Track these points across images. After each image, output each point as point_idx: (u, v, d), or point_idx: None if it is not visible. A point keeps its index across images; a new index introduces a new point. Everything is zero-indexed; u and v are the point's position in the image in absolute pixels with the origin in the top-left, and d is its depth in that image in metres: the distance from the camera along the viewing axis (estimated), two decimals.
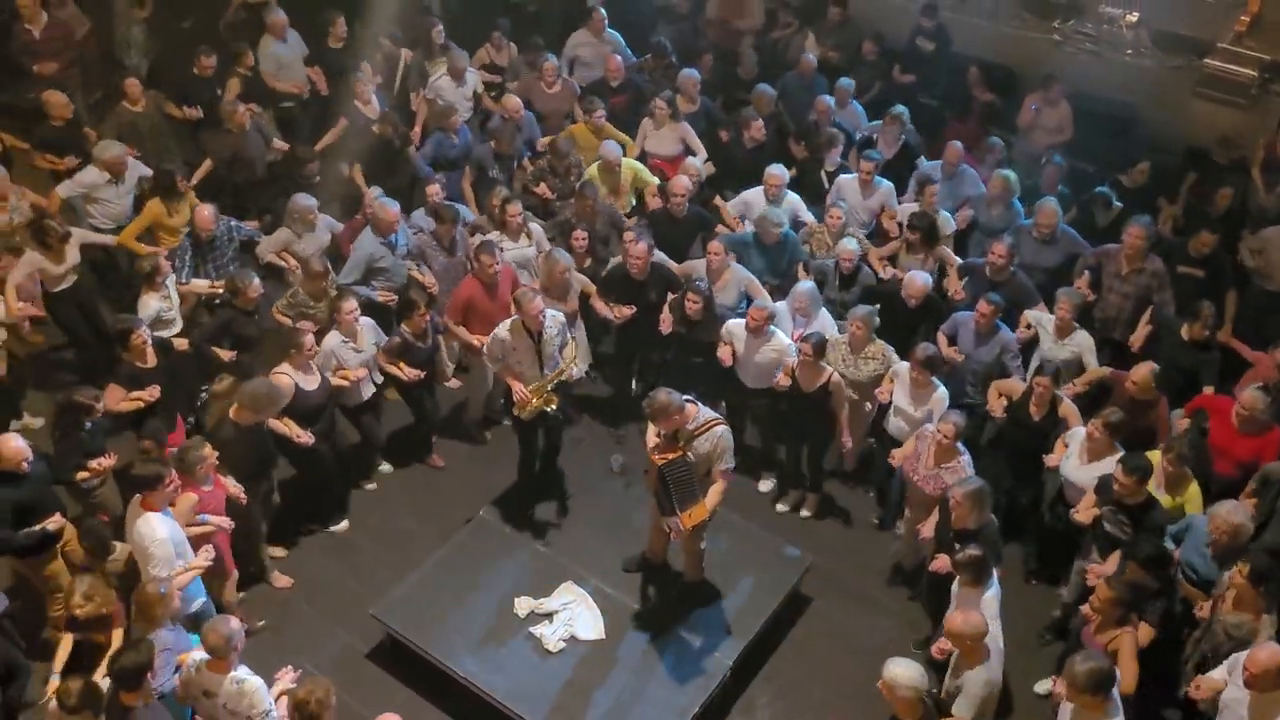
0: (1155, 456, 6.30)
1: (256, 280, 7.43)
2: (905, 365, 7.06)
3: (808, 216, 8.69)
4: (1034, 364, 7.59)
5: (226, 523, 6.21)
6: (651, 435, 6.22)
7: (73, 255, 7.91)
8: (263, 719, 5.15)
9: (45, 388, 8.10)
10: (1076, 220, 8.75)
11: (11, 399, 7.80)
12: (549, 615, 6.54)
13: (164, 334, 7.43)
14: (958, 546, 5.86)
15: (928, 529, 6.38)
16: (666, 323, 7.58)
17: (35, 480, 6.16)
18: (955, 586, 5.89)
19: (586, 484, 7.60)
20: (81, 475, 6.50)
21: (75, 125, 8.99)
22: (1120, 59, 10.59)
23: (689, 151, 9.52)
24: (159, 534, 5.65)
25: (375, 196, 8.22)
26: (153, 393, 6.80)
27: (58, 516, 6.20)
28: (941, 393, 6.93)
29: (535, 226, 8.41)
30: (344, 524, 7.57)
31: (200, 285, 7.98)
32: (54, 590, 6.34)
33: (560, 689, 6.16)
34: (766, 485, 8.00)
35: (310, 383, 6.91)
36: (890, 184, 8.85)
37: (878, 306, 7.48)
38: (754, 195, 8.69)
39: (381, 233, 7.95)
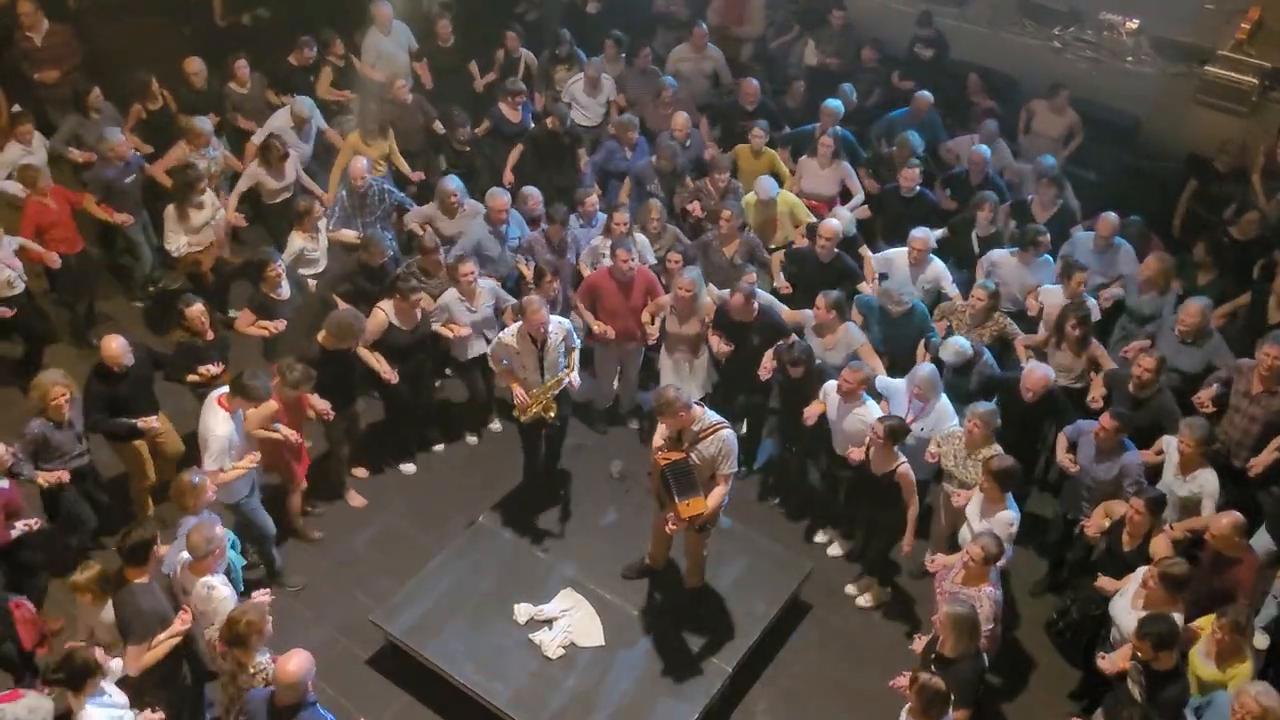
0: (1208, 621, 5.62)
1: (386, 243, 7.92)
2: None
3: (951, 290, 8.03)
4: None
5: (293, 435, 6.73)
6: (658, 436, 6.23)
7: (290, 175, 8.90)
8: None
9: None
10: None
11: (219, 297, 8.65)
12: (549, 621, 6.53)
13: (306, 272, 8.19)
14: (932, 669, 5.32)
15: (920, 643, 5.81)
16: (766, 369, 7.26)
17: (133, 380, 6.87)
18: (904, 714, 5.35)
19: (587, 490, 7.58)
20: (191, 377, 7.08)
21: (213, 91, 9.60)
22: (1121, 66, 10.62)
23: (847, 194, 9.25)
24: (218, 430, 6.27)
25: (455, 188, 8.44)
26: (279, 325, 7.44)
27: (151, 419, 6.92)
28: (1007, 515, 6.21)
29: (642, 238, 8.20)
30: (412, 467, 7.94)
31: (347, 235, 8.43)
32: (137, 471, 7.18)
33: (560, 695, 6.15)
34: (823, 537, 7.66)
35: (405, 323, 7.35)
36: (1051, 261, 8.10)
37: (996, 400, 6.92)
38: (898, 257, 8.17)
39: (492, 221, 8.14)
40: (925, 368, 6.96)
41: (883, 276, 8.13)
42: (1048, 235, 8.12)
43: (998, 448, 6.50)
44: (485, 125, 9.81)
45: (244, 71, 9.62)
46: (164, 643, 5.48)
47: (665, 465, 6.01)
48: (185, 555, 5.65)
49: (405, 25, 10.43)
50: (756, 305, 7.41)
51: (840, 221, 8.22)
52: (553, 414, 7.04)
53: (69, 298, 8.74)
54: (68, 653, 5.23)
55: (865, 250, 8.49)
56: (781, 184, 9.01)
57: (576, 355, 7.16)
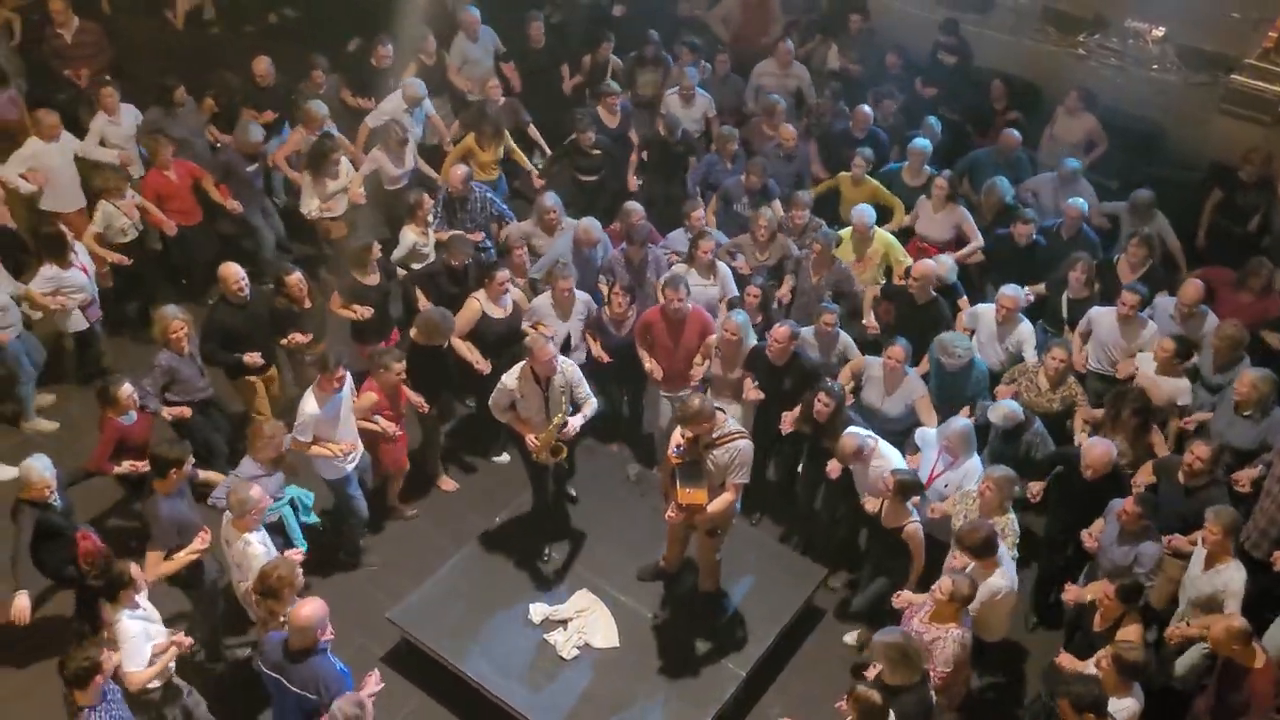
0: None
1: (468, 249, 8.05)
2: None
3: (1031, 355, 7.50)
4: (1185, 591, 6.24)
5: (392, 428, 7.08)
6: (675, 439, 6.24)
7: (409, 163, 9.15)
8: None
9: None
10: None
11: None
12: (563, 622, 6.57)
13: (416, 266, 8.35)
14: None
15: (872, 671, 5.45)
16: (787, 422, 6.98)
17: (250, 317, 7.41)
18: None
19: (603, 493, 7.61)
20: (283, 341, 7.59)
21: (278, 88, 9.79)
22: (1145, 74, 10.53)
23: (962, 240, 8.82)
24: (305, 409, 6.66)
25: (551, 204, 8.42)
26: (366, 311, 7.66)
27: (256, 355, 7.35)
28: (998, 583, 5.87)
29: (725, 269, 8.03)
30: (505, 457, 8.07)
31: (445, 236, 8.45)
32: (251, 407, 7.61)
33: (573, 696, 6.18)
34: (835, 582, 7.34)
35: (498, 312, 7.54)
36: (1151, 324, 7.58)
37: (1054, 474, 6.64)
38: (986, 313, 7.74)
39: (578, 244, 8.14)
40: (959, 422, 6.66)
41: (971, 333, 7.74)
42: (1141, 294, 7.49)
43: (1012, 517, 6.19)
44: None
45: (320, 76, 9.76)
46: (181, 559, 6.02)
47: (677, 466, 6.07)
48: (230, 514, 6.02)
49: (491, 30, 10.49)
50: (792, 348, 7.11)
51: (939, 265, 7.89)
52: (563, 455, 6.82)
53: (182, 265, 9.04)
54: (105, 564, 5.74)
55: (965, 303, 8.11)
56: (892, 213, 8.82)
57: (593, 404, 6.87)
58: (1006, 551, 6.01)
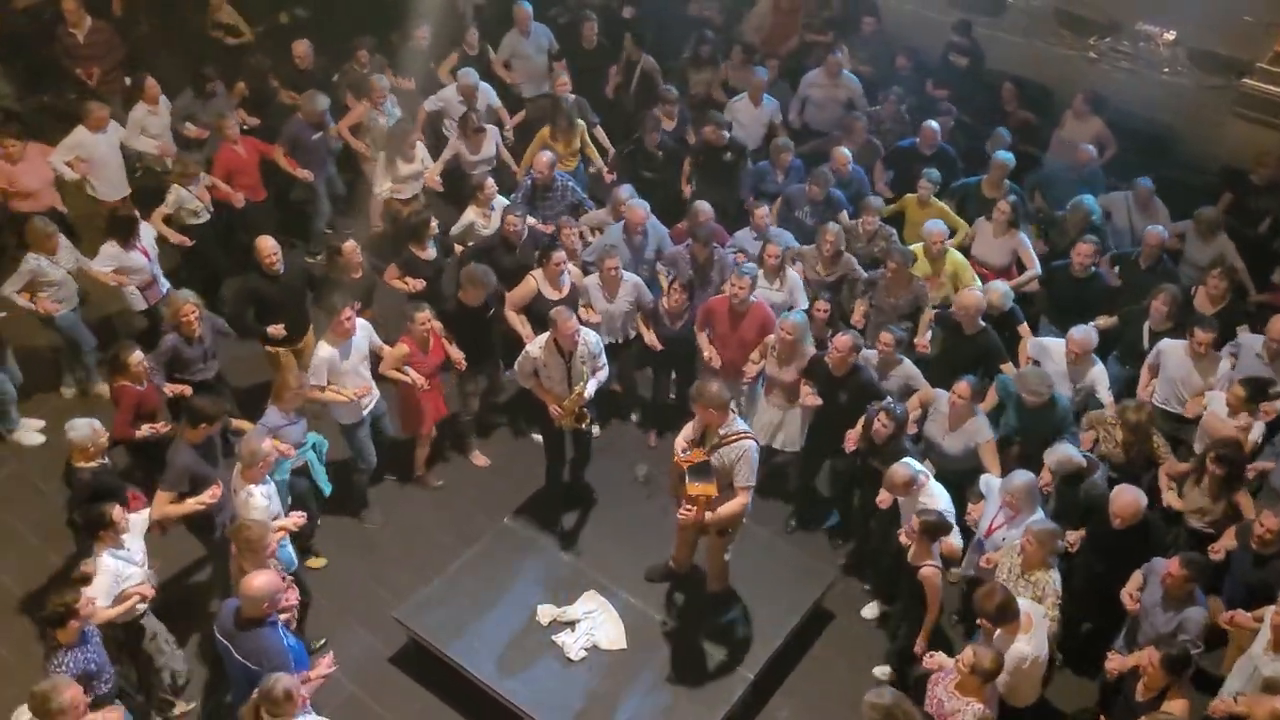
0: None
1: (523, 226, 8.19)
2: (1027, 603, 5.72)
3: (1106, 396, 7.16)
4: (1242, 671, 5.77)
5: (420, 379, 7.25)
6: (681, 440, 6.24)
7: (488, 150, 9.43)
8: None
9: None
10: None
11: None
12: (571, 623, 6.55)
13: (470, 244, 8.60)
14: None
15: None
16: (851, 440, 6.87)
17: (283, 288, 7.64)
18: None
19: (611, 493, 7.60)
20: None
21: (315, 71, 10.16)
22: (1157, 78, 10.49)
23: (1021, 266, 8.56)
24: (320, 354, 6.97)
25: (627, 196, 8.57)
26: (419, 284, 7.90)
27: (279, 326, 7.57)
28: (1022, 650, 5.53)
29: (794, 276, 7.98)
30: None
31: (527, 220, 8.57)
32: (278, 376, 7.29)
33: (581, 698, 6.16)
34: (871, 612, 7.21)
35: (553, 293, 7.71)
36: (1230, 369, 7.21)
37: (1089, 524, 6.33)
38: (1056, 350, 7.28)
39: (628, 231, 8.28)
40: (1022, 476, 6.23)
41: (1035, 364, 7.36)
42: (1214, 330, 7.10)
43: (1055, 575, 5.84)
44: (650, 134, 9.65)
45: (364, 56, 10.01)
46: (187, 506, 6.19)
47: (688, 467, 6.06)
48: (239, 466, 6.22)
49: (545, 27, 10.60)
50: (854, 361, 7.00)
51: (992, 293, 7.56)
52: (585, 423, 7.10)
53: (246, 238, 9.08)
54: (89, 504, 5.87)
55: (1025, 329, 7.78)
56: (954, 234, 8.57)
57: (605, 369, 7.16)
58: (1042, 614, 5.67)
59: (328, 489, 6.96)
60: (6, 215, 8.72)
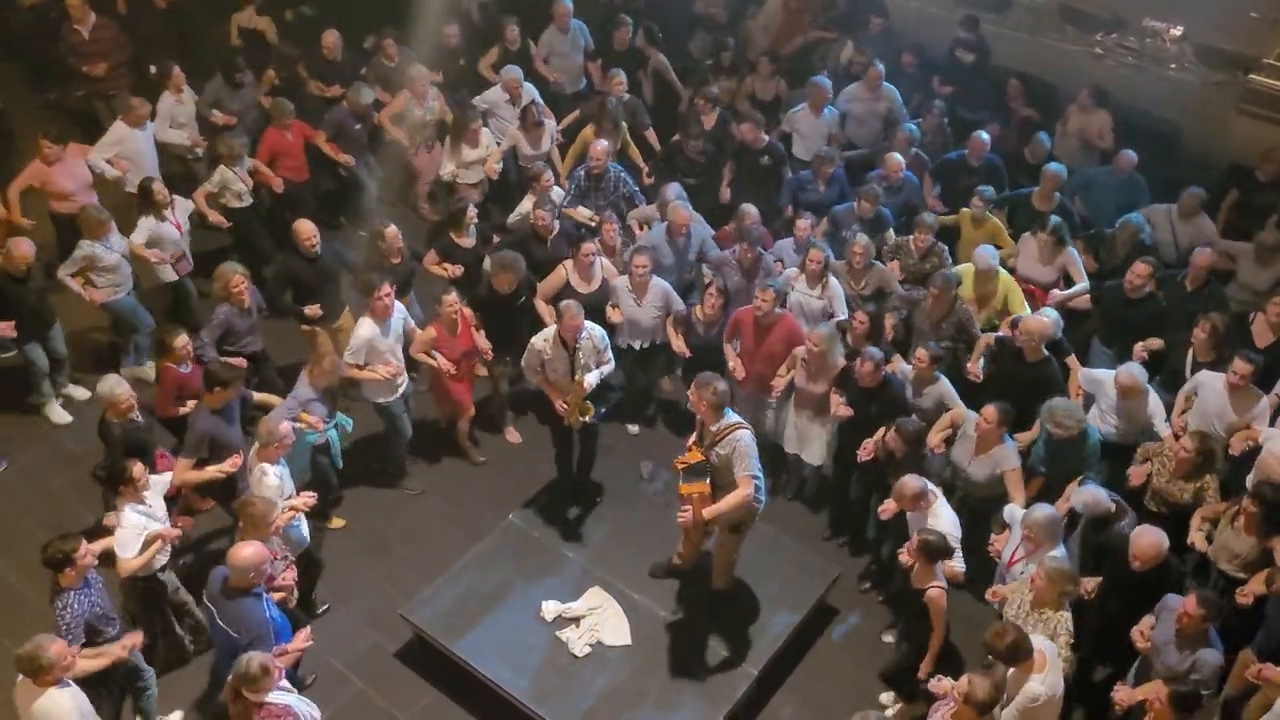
0: None
1: (552, 221, 8.29)
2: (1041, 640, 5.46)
3: (1163, 428, 6.84)
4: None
5: (446, 365, 7.44)
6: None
7: (545, 145, 9.53)
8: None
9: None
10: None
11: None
12: (576, 620, 6.57)
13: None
14: None
15: None
16: (867, 450, 6.81)
17: (319, 271, 7.81)
18: None
19: (616, 490, 7.61)
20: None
21: (343, 63, 10.31)
22: (1163, 74, 10.46)
23: (1068, 282, 8.21)
24: (361, 333, 7.20)
25: (674, 196, 8.58)
26: (457, 270, 8.04)
27: (315, 307, 7.70)
28: (1033, 690, 5.24)
29: (837, 285, 7.82)
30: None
31: (581, 213, 8.81)
32: (314, 354, 7.51)
33: (585, 694, 6.19)
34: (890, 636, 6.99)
35: (583, 285, 7.79)
36: (1267, 404, 6.84)
37: (1107, 564, 6.12)
38: (1109, 383, 6.97)
39: (671, 233, 8.28)
40: (1043, 510, 5.98)
41: (1089, 397, 7.16)
42: (1255, 363, 6.68)
43: (1066, 615, 5.59)
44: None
45: (392, 48, 10.08)
46: (207, 473, 6.44)
47: (683, 469, 6.10)
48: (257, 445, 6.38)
49: (583, 25, 10.60)
50: (882, 375, 6.93)
51: (1052, 322, 7.24)
52: (589, 416, 7.10)
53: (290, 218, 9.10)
54: (112, 459, 6.22)
55: (1073, 361, 7.52)
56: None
57: (610, 364, 7.18)
58: (1055, 652, 5.43)
59: (339, 464, 7.22)
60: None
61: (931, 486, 6.23)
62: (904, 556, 5.99)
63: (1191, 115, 10.20)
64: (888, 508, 6.40)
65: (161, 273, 8.38)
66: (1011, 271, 8.18)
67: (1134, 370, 6.86)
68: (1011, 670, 5.29)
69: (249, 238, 9.08)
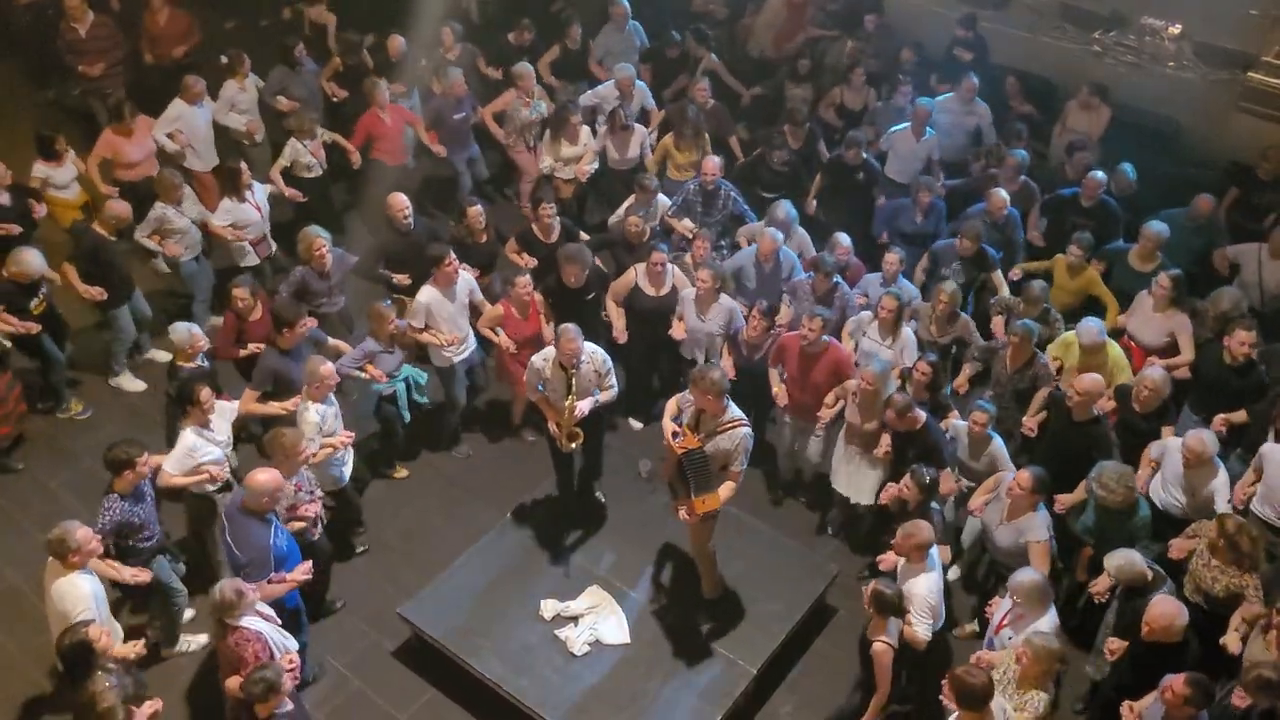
0: None
1: (644, 228, 8.29)
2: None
3: (1223, 506, 6.27)
4: None
5: (506, 343, 7.61)
6: (667, 418, 6.24)
7: (633, 150, 9.54)
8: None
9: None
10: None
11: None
12: (574, 618, 6.57)
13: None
14: None
15: None
16: (886, 495, 6.59)
17: (411, 244, 7.98)
18: None
19: (615, 489, 7.60)
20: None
21: (405, 64, 10.24)
22: (1162, 71, 10.46)
23: (1176, 348, 7.51)
24: (421, 297, 7.53)
25: (784, 215, 8.38)
26: (530, 261, 8.18)
27: (404, 277, 8.00)
28: None
29: (910, 336, 7.40)
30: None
31: (684, 225, 8.71)
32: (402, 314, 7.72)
33: (584, 692, 6.18)
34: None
35: (651, 289, 7.91)
36: None
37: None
38: (1174, 445, 6.46)
39: (759, 258, 8.10)
40: (1029, 574, 5.69)
41: (1155, 465, 6.69)
42: None
43: (1045, 698, 5.27)
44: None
45: (450, 38, 10.20)
46: (269, 408, 6.90)
47: (683, 454, 6.05)
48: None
49: (639, 25, 10.56)
50: (920, 421, 6.70)
51: (1150, 386, 6.68)
52: (578, 442, 6.89)
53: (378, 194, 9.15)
54: (184, 381, 6.59)
55: (1167, 430, 6.87)
56: (1104, 313, 7.77)
57: (614, 390, 6.97)
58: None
59: (407, 417, 7.61)
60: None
61: (934, 549, 5.96)
62: (866, 596, 5.69)
63: (1191, 113, 10.21)
64: (887, 561, 6.21)
65: (241, 255, 8.57)
66: (1120, 334, 7.66)
67: (1205, 436, 6.27)
68: (957, 714, 5.11)
69: (317, 209, 9.13)
